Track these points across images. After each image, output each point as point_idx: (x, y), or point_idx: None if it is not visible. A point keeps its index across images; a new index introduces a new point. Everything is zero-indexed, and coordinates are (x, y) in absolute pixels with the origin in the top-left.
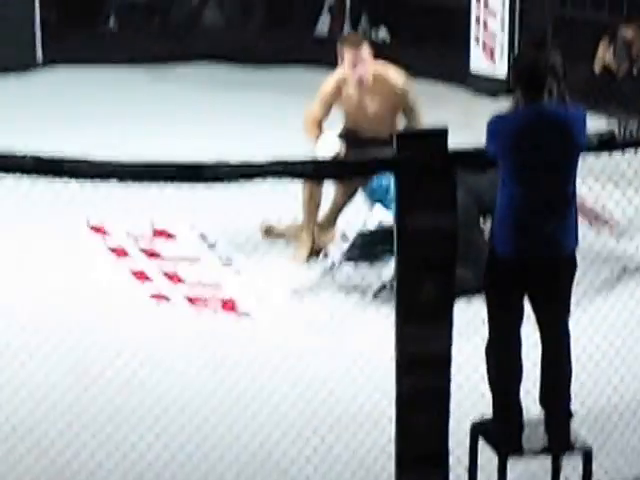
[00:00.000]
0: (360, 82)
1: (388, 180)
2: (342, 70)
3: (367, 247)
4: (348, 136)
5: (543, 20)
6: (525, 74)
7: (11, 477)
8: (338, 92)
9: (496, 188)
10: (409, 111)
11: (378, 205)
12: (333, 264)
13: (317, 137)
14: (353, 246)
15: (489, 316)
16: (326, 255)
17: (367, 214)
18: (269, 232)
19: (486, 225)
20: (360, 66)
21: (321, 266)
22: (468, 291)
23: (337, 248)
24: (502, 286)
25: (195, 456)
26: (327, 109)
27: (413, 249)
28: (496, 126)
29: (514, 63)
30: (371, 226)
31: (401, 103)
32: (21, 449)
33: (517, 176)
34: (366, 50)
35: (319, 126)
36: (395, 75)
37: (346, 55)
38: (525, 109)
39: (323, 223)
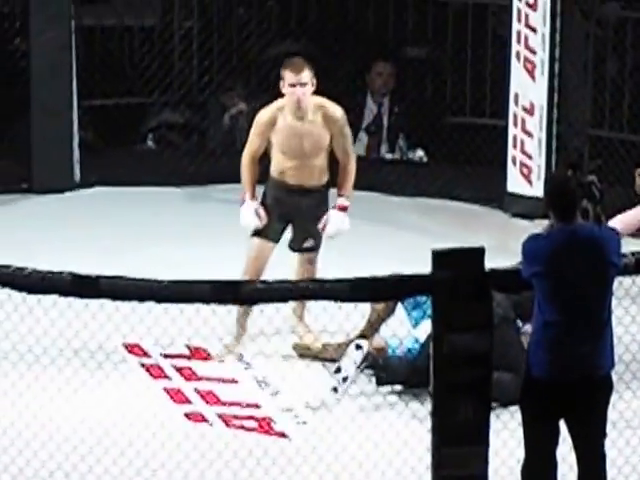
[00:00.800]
0: (298, 104)
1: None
2: (280, 100)
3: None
4: (274, 191)
5: (579, 141)
6: (556, 195)
7: None
8: (273, 122)
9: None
10: (342, 145)
11: (426, 322)
12: (346, 378)
13: (251, 178)
14: (377, 367)
15: (525, 437)
16: (339, 370)
17: (410, 331)
18: (302, 350)
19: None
20: (299, 88)
21: (332, 380)
22: (505, 396)
23: (350, 360)
24: (538, 408)
25: None
26: (263, 140)
27: (449, 369)
28: (530, 247)
29: (546, 185)
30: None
31: (336, 135)
32: None
33: (552, 298)
34: (307, 75)
35: (255, 162)
36: (333, 107)
37: (286, 77)
38: (558, 230)
39: (364, 334)
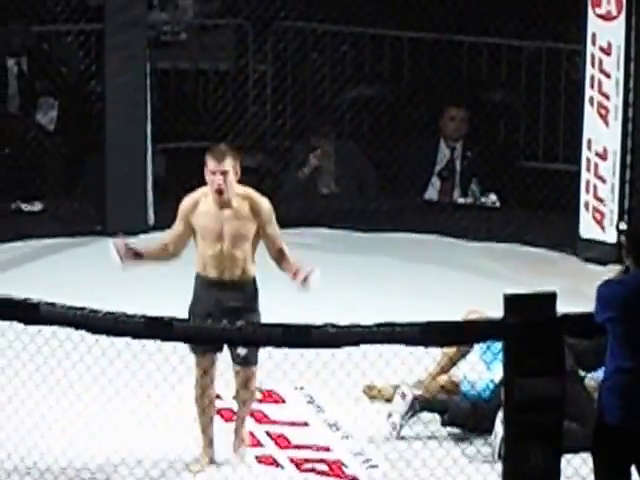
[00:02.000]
0: (218, 192)
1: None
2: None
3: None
4: (195, 289)
5: None
6: (636, 240)
7: None
8: (195, 206)
9: (597, 350)
10: (272, 237)
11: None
12: (394, 425)
13: (152, 249)
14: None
15: None
16: (390, 415)
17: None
18: (372, 393)
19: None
20: (219, 176)
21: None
22: (573, 445)
23: (397, 407)
24: (609, 453)
25: None
26: (185, 227)
27: (520, 414)
28: (605, 292)
29: (629, 229)
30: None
31: (264, 226)
32: None
33: (625, 343)
34: (229, 163)
35: (165, 247)
36: (260, 198)
37: (208, 164)
38: (633, 276)
39: (434, 374)
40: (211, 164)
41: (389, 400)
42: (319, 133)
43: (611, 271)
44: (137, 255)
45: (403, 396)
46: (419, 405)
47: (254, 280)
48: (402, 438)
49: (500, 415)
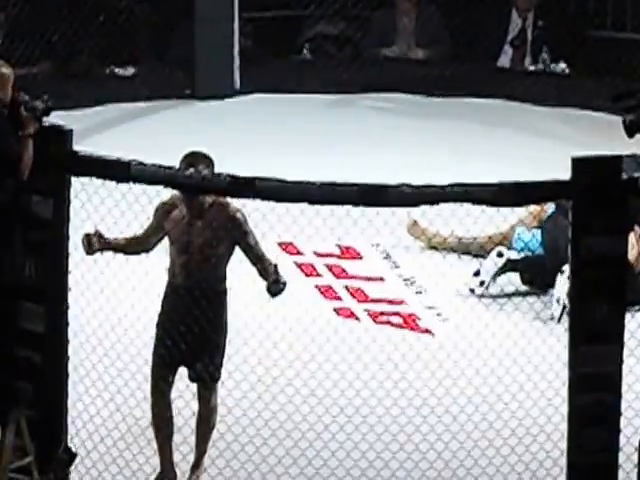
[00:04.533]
0: (187, 202)
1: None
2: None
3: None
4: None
5: None
6: None
7: None
8: (169, 210)
9: None
10: (252, 248)
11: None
12: (483, 282)
13: (123, 240)
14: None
15: None
16: (478, 273)
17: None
18: (414, 229)
19: None
20: None
21: (471, 282)
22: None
23: (490, 264)
24: None
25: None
26: (157, 227)
27: (587, 272)
28: None
29: None
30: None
31: (237, 236)
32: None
33: None
34: (202, 169)
35: (136, 241)
36: (235, 209)
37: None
38: None
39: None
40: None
41: (454, 251)
42: None
43: None
44: (106, 244)
45: (500, 255)
46: (510, 266)
47: (222, 293)
48: (471, 291)
49: (560, 278)
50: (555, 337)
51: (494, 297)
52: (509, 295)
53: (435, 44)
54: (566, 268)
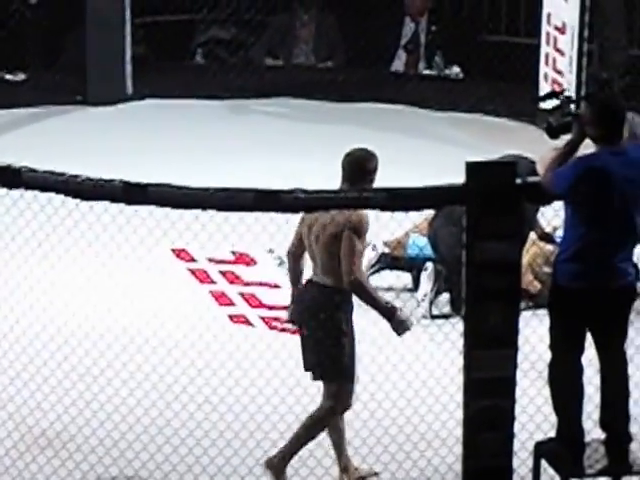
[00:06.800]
0: None
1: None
2: None
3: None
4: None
5: (610, 60)
6: (606, 116)
7: None
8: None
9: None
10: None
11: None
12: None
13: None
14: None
15: (553, 343)
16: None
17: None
18: None
19: None
20: None
21: None
22: None
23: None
24: (566, 314)
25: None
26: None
27: (481, 277)
28: (582, 166)
29: (592, 104)
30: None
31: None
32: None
33: (591, 214)
34: None
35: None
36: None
37: None
38: (609, 152)
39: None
40: None
41: None
42: (303, 5)
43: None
44: None
45: (374, 247)
46: (386, 261)
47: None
48: None
49: (424, 274)
50: (450, 343)
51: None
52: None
53: (332, 51)
54: (428, 265)
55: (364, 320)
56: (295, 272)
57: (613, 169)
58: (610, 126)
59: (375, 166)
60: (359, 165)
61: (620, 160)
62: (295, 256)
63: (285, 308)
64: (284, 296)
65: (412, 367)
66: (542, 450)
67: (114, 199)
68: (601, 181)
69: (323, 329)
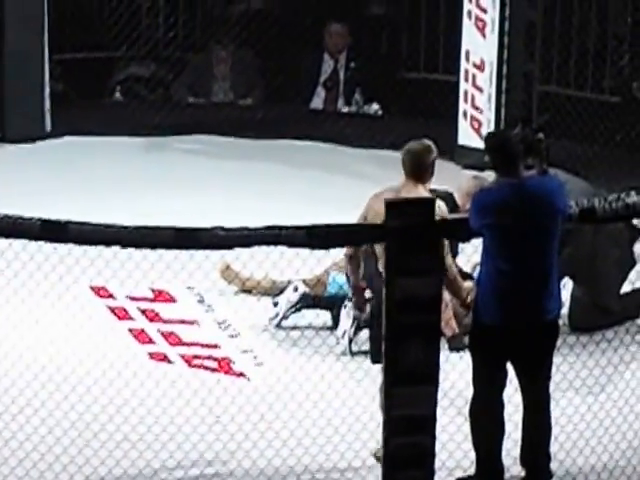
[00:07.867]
0: None
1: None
2: None
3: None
4: None
5: (528, 97)
6: (496, 152)
7: None
8: None
9: None
10: None
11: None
12: (277, 315)
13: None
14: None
15: (474, 379)
16: (276, 304)
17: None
18: (227, 273)
19: None
20: None
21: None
22: None
23: (286, 298)
24: (487, 351)
25: None
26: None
27: (401, 314)
28: (481, 200)
29: (486, 142)
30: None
31: None
32: None
33: (502, 248)
34: None
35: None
36: None
37: None
38: (507, 184)
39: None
40: None
41: (268, 294)
42: (220, 43)
43: (489, 177)
44: None
45: (296, 289)
46: (308, 301)
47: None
48: (269, 320)
49: (344, 312)
50: (371, 379)
51: (309, 339)
52: (322, 337)
53: (251, 88)
54: (348, 303)
55: (288, 357)
56: (357, 272)
57: (509, 200)
58: (500, 162)
59: (434, 159)
60: (419, 160)
61: (516, 191)
62: (356, 258)
63: (207, 346)
64: (204, 333)
65: (332, 404)
66: None
67: (32, 237)
68: (498, 214)
69: None
